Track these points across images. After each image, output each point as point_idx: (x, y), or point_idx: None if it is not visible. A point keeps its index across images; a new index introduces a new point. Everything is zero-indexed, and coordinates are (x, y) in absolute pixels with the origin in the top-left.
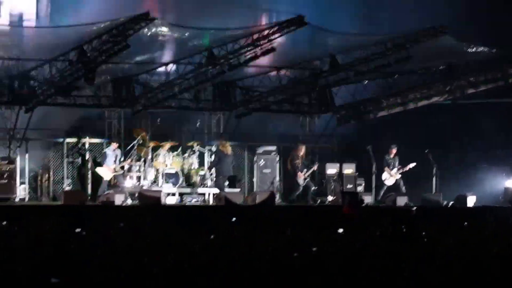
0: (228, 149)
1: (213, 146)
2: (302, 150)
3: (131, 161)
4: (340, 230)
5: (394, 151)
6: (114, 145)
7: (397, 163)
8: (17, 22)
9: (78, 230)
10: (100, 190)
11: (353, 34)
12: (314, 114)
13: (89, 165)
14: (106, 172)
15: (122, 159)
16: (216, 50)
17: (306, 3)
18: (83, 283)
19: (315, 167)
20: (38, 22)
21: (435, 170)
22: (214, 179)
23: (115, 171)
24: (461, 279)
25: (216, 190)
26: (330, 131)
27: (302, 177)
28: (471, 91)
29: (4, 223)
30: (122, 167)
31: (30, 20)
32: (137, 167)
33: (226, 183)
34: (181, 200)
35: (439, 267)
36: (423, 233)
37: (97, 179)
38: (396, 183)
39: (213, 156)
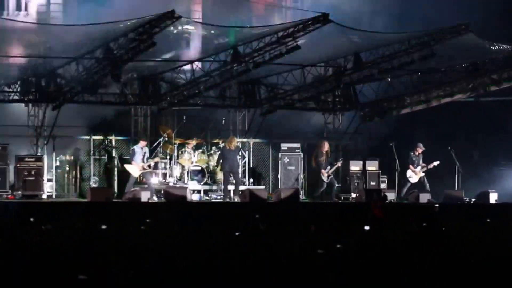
0: (231, 145)
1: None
2: (325, 147)
3: (157, 158)
4: (366, 228)
5: (419, 149)
6: (143, 142)
7: (421, 161)
8: (44, 20)
9: (104, 226)
10: (127, 187)
11: (377, 32)
12: (338, 111)
13: (116, 162)
14: (134, 169)
15: (149, 156)
16: (241, 48)
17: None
18: (109, 280)
19: (339, 164)
20: (65, 20)
21: (457, 167)
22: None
23: (143, 168)
24: (484, 274)
25: (242, 187)
26: (354, 129)
27: (326, 174)
28: (494, 89)
29: (32, 219)
30: (149, 165)
31: (57, 18)
32: (163, 164)
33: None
34: (206, 197)
35: (462, 263)
36: (445, 229)
37: (123, 176)
38: (420, 181)
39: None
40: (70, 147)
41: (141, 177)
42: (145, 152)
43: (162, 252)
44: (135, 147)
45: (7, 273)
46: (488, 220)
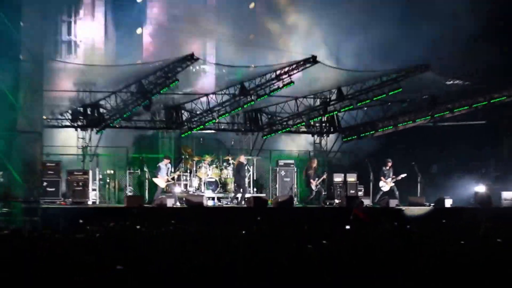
0: (236, 161)
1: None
2: (314, 163)
3: (180, 172)
4: (347, 227)
5: (389, 163)
6: (166, 160)
7: (391, 173)
8: (90, 61)
9: (138, 227)
10: (156, 195)
11: (355, 70)
12: (325, 134)
13: (146, 175)
14: (160, 181)
15: (172, 171)
16: (247, 83)
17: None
18: (142, 270)
19: (325, 176)
20: (107, 60)
21: (419, 178)
22: None
23: (168, 181)
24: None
25: (248, 195)
26: (337, 148)
27: (314, 184)
28: (449, 115)
29: (81, 221)
30: (173, 178)
31: (100, 59)
32: (184, 177)
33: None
34: (219, 203)
35: (426, 252)
36: (410, 227)
37: (153, 186)
38: (391, 189)
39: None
40: (110, 163)
41: (167, 187)
42: (168, 168)
43: (181, 248)
44: (160, 164)
45: (62, 261)
46: (444, 221)
